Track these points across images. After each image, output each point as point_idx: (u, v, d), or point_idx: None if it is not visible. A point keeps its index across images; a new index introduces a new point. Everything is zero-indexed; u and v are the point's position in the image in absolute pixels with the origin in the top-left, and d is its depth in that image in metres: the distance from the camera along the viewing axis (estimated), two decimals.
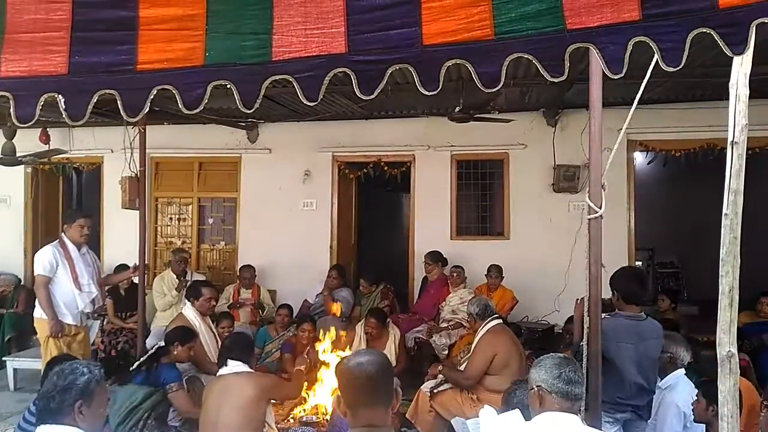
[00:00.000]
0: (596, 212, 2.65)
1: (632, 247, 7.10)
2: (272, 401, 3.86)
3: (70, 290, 4.72)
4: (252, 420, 3.39)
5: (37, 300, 4.75)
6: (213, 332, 4.96)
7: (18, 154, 6.86)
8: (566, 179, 6.96)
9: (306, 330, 5.51)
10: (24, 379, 6.26)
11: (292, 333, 5.84)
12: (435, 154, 7.53)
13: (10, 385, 6.27)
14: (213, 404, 3.46)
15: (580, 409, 2.22)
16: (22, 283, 7.82)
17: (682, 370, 3.53)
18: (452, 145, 7.45)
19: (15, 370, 6.31)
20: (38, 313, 4.74)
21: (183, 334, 4.32)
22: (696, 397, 2.96)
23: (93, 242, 4.96)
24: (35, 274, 4.76)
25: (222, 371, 3.60)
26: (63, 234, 4.88)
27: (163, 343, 4.25)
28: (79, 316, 4.81)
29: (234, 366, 3.57)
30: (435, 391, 4.49)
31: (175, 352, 4.19)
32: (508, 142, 7.24)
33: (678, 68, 1.95)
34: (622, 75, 1.96)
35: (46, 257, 4.70)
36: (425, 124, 7.44)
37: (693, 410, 2.96)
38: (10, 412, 5.52)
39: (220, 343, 4.99)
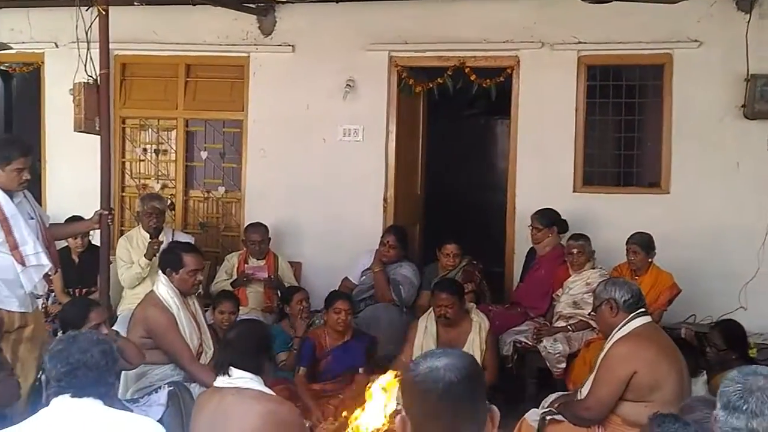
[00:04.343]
0: None
1: None
2: None
3: (9, 265, 4.64)
4: None
5: None
6: (196, 321, 5.02)
7: None
8: (766, 98, 6.75)
9: (341, 310, 5.63)
10: None
11: (319, 322, 5.97)
12: (552, 54, 7.41)
13: None
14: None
15: None
16: None
17: None
18: (579, 41, 7.33)
19: None
20: None
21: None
22: None
23: (31, 183, 5.00)
24: None
25: (220, 382, 3.60)
26: None
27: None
28: (27, 299, 4.79)
29: (238, 378, 3.53)
30: (547, 419, 4.51)
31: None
32: (670, 36, 7.10)
33: None
34: None
35: None
36: (536, 6, 7.35)
37: None
38: None
39: (207, 334, 5.08)
